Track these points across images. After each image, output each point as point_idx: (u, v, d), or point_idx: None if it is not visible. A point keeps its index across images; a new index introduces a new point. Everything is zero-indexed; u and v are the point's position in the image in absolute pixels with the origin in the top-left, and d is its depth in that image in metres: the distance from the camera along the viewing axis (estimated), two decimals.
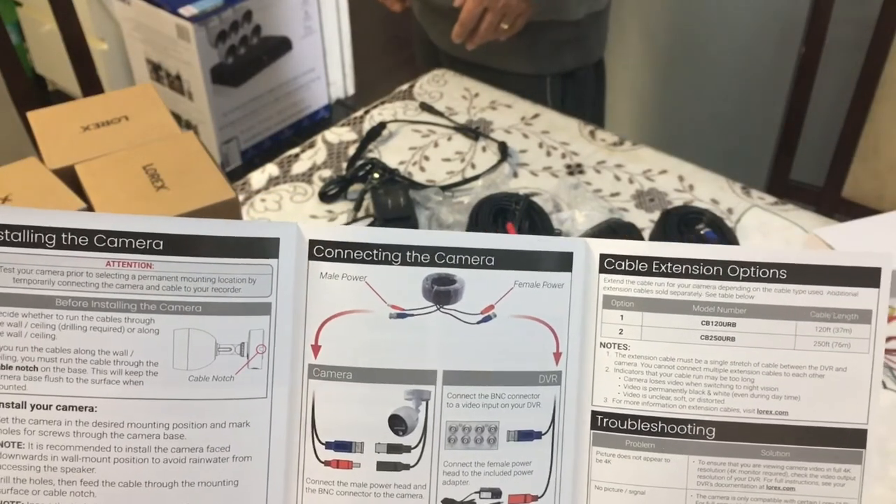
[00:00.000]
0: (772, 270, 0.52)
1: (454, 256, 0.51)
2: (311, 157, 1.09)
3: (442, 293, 0.51)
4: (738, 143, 1.86)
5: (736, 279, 0.52)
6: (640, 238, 0.78)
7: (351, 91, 2.60)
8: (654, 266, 0.52)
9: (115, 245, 0.48)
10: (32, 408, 0.48)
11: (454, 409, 0.52)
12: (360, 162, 1.06)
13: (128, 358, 0.48)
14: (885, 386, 0.81)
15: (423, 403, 0.52)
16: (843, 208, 1.61)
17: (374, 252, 0.51)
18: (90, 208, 0.67)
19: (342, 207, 1.01)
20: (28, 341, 0.48)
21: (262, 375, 0.50)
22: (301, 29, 2.32)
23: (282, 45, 2.30)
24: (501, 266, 0.52)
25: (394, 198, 0.97)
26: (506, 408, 0.52)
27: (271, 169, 1.07)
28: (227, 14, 2.12)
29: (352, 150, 1.09)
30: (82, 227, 0.48)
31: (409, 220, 0.96)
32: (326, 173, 1.07)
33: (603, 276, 0.52)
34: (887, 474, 0.74)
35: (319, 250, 0.50)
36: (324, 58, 2.43)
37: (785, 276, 0.52)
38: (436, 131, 1.13)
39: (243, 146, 2.33)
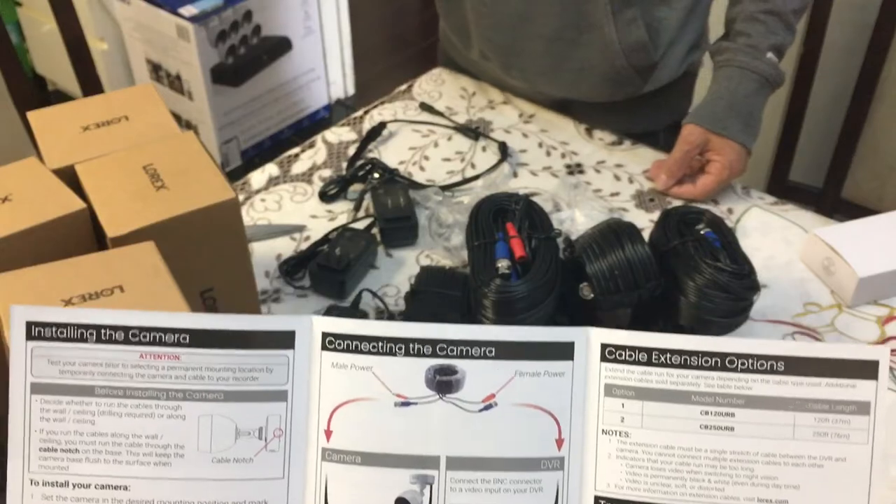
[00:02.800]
0: (769, 362, 0.53)
1: (455, 348, 0.54)
2: (311, 156, 1.09)
3: (444, 383, 0.53)
4: None
5: (734, 370, 0.53)
6: (641, 238, 0.78)
7: (351, 91, 2.60)
8: (653, 356, 0.54)
9: (147, 339, 0.52)
10: (74, 486, 0.52)
11: (457, 493, 0.54)
12: (360, 162, 1.06)
13: (158, 441, 0.53)
14: None
15: (428, 487, 0.54)
16: (842, 209, 1.61)
17: (380, 344, 0.54)
18: (90, 208, 0.67)
19: (342, 207, 1.01)
20: (71, 426, 0.52)
21: (280, 458, 0.54)
22: (301, 29, 2.32)
23: (282, 45, 2.30)
24: (502, 356, 0.54)
25: (394, 198, 0.97)
26: (508, 492, 0.54)
27: (271, 169, 1.07)
28: (227, 14, 2.12)
29: (352, 150, 1.10)
30: (118, 323, 0.52)
31: (409, 220, 0.96)
32: (326, 173, 1.07)
33: (604, 364, 0.54)
34: (887, 474, 0.74)
35: (331, 341, 0.54)
36: (324, 58, 2.43)
37: (782, 367, 0.53)
38: (436, 131, 1.13)
39: (243, 146, 2.33)
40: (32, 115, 0.76)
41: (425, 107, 1.16)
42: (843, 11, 1.52)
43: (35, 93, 1.78)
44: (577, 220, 0.96)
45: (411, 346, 0.54)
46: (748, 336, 0.84)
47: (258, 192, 1.04)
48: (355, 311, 0.85)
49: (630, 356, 0.54)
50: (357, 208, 1.00)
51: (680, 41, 1.12)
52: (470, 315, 0.79)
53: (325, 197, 1.02)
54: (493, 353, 0.54)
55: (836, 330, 0.86)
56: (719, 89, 1.02)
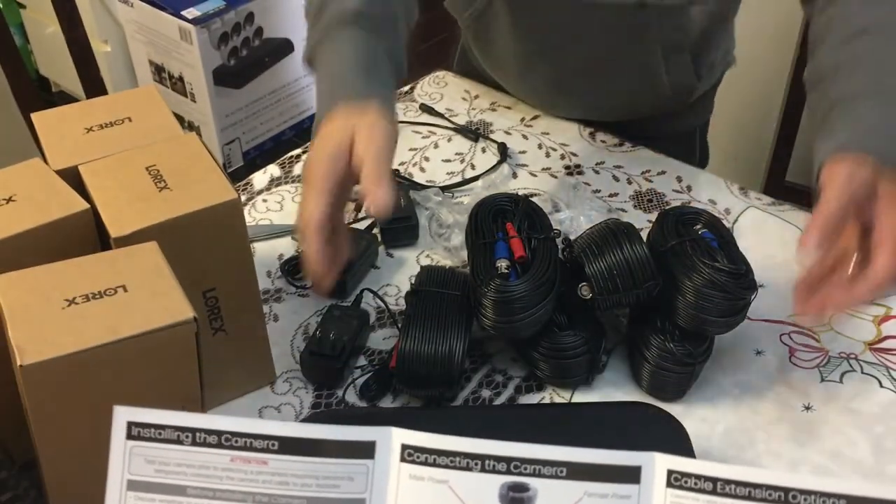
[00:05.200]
0: (832, 500, 0.54)
1: (528, 466, 0.55)
2: None
3: (517, 500, 0.55)
4: (735, 145, 1.86)
5: None
6: (639, 238, 0.78)
7: None
8: (718, 486, 0.55)
9: (239, 444, 0.55)
10: None
11: None
12: None
13: None
14: (881, 385, 0.82)
15: None
16: None
17: (457, 459, 0.56)
18: (93, 209, 0.67)
19: None
20: None
21: None
22: (302, 30, 2.32)
23: (283, 47, 2.31)
24: (572, 477, 0.55)
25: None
26: None
27: (273, 170, 1.08)
28: (229, 16, 2.13)
29: None
30: (213, 427, 0.55)
31: (409, 220, 0.96)
32: None
33: (669, 490, 0.55)
34: (885, 472, 0.75)
35: (410, 454, 0.55)
36: None
37: None
38: (436, 132, 1.14)
39: (245, 147, 2.33)
40: (36, 117, 0.77)
41: (426, 108, 1.17)
42: None
43: (39, 94, 1.79)
44: (575, 220, 0.96)
45: (487, 462, 0.55)
46: (744, 334, 0.85)
47: (260, 192, 1.04)
48: (356, 310, 0.86)
49: (696, 484, 0.55)
50: (358, 209, 1.01)
51: (719, 70, 1.15)
52: (471, 315, 0.80)
53: None
54: (565, 474, 0.55)
55: (832, 329, 0.87)
56: (872, 118, 0.72)
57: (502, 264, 0.76)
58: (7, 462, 0.75)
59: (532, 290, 0.75)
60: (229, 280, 0.72)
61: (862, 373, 0.83)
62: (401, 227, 0.96)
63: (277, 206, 1.02)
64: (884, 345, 0.85)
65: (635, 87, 1.10)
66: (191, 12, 2.09)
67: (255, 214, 1.01)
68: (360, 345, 0.85)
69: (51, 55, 2.49)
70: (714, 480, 0.55)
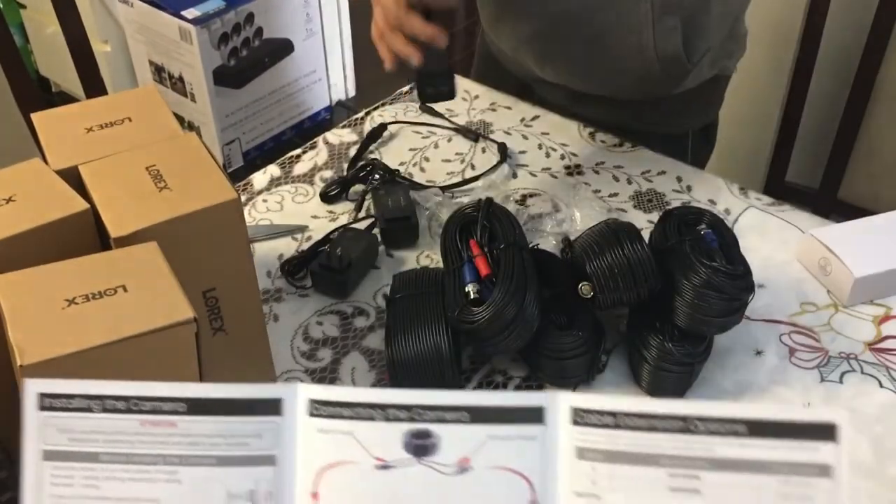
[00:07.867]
0: (730, 425, 0.54)
1: (430, 412, 0.56)
2: (312, 157, 1.10)
3: (419, 447, 0.55)
4: (734, 145, 1.86)
5: (697, 433, 0.54)
6: (640, 237, 0.78)
7: (352, 92, 2.60)
8: (619, 419, 0.55)
9: (147, 408, 0.56)
10: None
11: None
12: (361, 163, 1.07)
13: None
14: (881, 385, 0.82)
15: None
16: (838, 209, 1.62)
17: (360, 410, 0.56)
18: (94, 209, 0.67)
19: (343, 208, 1.02)
20: (78, 491, 0.56)
21: None
22: (302, 31, 2.33)
23: (283, 47, 2.31)
24: (475, 421, 0.55)
25: (394, 198, 0.98)
26: None
27: (273, 170, 1.08)
28: (229, 16, 2.13)
29: (353, 151, 1.10)
30: (120, 393, 0.56)
31: (409, 220, 0.96)
32: (328, 174, 1.07)
33: (575, 428, 0.55)
34: (885, 472, 0.75)
35: (316, 408, 0.56)
36: (325, 59, 2.44)
37: (745, 430, 0.54)
38: (436, 132, 1.14)
39: (245, 147, 2.33)
40: (36, 117, 0.77)
41: (426, 108, 1.17)
42: (841, 13, 1.53)
43: (39, 94, 1.79)
44: (576, 220, 0.96)
45: (389, 410, 0.56)
46: (745, 334, 0.85)
47: (260, 192, 1.05)
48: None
49: (599, 420, 0.55)
50: (358, 209, 1.01)
51: (714, 48, 1.12)
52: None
53: (326, 197, 1.03)
54: (468, 418, 0.55)
55: (832, 329, 0.87)
56: None
57: (471, 289, 0.76)
58: (7, 462, 0.75)
59: (497, 313, 0.74)
60: (229, 280, 0.72)
61: (862, 373, 0.83)
62: (401, 227, 0.96)
63: (277, 206, 1.02)
64: (884, 345, 0.85)
65: (622, 51, 1.08)
66: (191, 12, 2.09)
67: (255, 214, 1.01)
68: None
69: (51, 55, 2.49)
70: (616, 414, 0.55)
